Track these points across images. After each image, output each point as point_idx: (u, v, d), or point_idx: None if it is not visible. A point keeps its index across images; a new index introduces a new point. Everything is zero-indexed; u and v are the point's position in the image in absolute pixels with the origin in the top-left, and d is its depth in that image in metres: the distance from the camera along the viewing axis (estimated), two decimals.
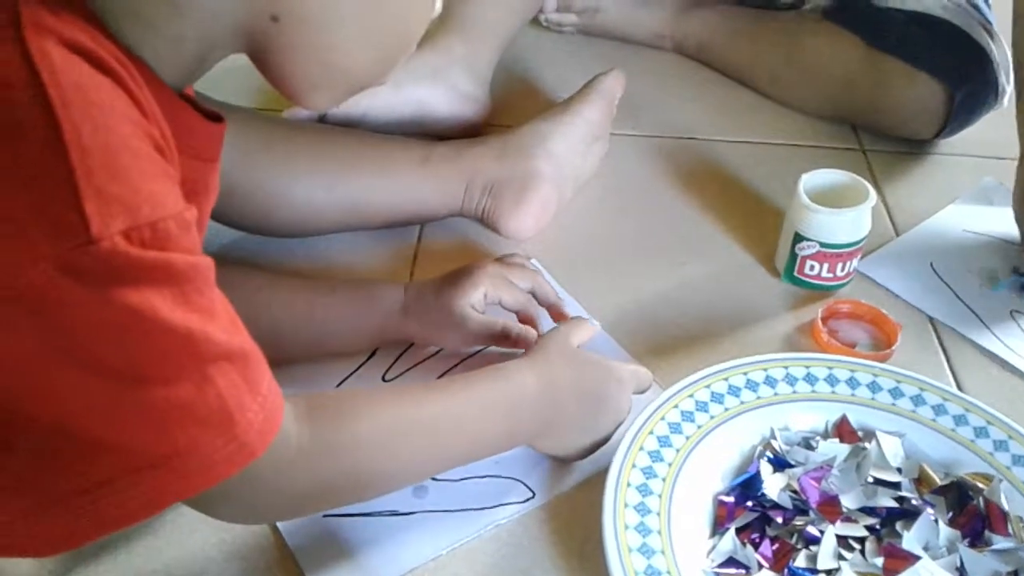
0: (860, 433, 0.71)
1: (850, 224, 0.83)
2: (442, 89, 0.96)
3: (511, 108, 1.05)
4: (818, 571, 0.62)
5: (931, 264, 0.89)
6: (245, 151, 0.79)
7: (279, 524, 0.63)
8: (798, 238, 0.84)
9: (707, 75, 1.17)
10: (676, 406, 0.70)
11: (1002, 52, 1.00)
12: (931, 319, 0.84)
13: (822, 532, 0.64)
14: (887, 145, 1.06)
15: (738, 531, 0.64)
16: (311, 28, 0.48)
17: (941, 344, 0.82)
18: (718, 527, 0.65)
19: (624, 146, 1.04)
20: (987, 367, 0.80)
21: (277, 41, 0.48)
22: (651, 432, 0.68)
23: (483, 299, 0.75)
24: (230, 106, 0.80)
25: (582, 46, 1.19)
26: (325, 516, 0.64)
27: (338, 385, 0.74)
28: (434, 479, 0.67)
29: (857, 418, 0.71)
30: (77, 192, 0.38)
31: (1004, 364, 0.80)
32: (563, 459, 0.69)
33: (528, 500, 0.67)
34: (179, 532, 0.63)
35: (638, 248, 0.91)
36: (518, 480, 0.68)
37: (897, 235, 0.94)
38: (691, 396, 0.71)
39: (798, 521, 0.65)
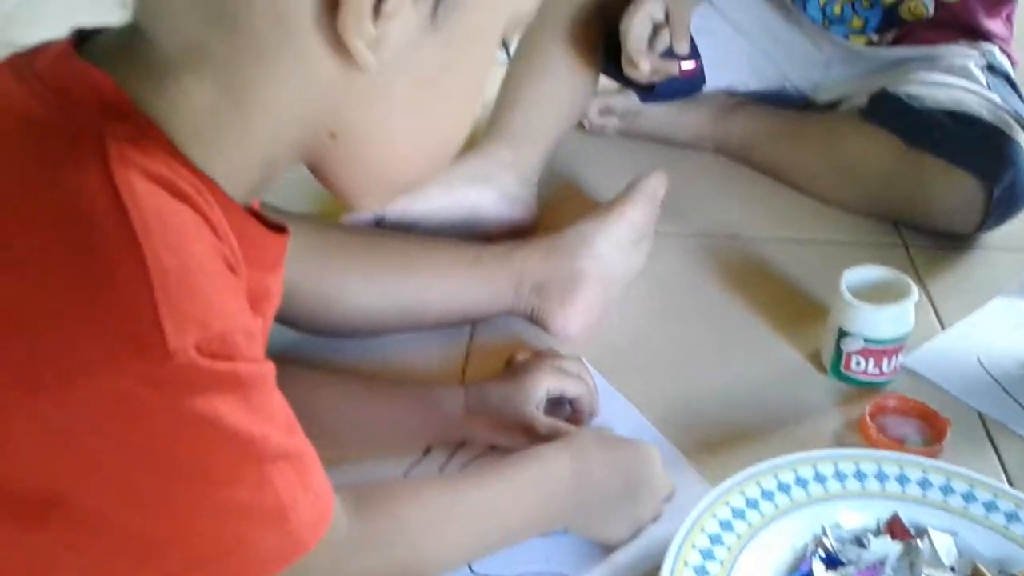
0: (912, 531, 0.71)
1: (893, 319, 0.84)
2: (491, 193, 1.00)
3: (558, 209, 1.08)
4: None
5: (978, 358, 0.90)
6: (305, 256, 0.82)
7: None
8: (842, 334, 0.85)
9: (749, 174, 1.20)
10: (727, 503, 0.71)
11: None
12: (980, 414, 0.85)
13: None
14: (929, 240, 1.07)
15: None
16: (365, 143, 0.51)
17: (991, 439, 0.82)
18: None
19: (669, 245, 1.06)
20: None
21: (334, 154, 0.51)
22: (702, 530, 0.69)
23: (546, 396, 0.78)
24: (290, 213, 0.85)
25: (625, 148, 1.24)
26: None
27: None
28: (483, 575, 0.68)
29: (909, 515, 0.71)
30: (157, 312, 0.41)
31: None
32: (606, 543, 0.70)
33: None
34: None
35: (685, 345, 0.93)
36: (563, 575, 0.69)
37: (943, 329, 0.95)
38: (741, 493, 0.71)
39: None
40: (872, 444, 0.80)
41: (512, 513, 0.64)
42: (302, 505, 0.48)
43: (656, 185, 0.98)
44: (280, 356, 0.49)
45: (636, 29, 1.03)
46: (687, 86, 1.12)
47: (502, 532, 0.64)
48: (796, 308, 0.97)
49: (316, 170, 0.53)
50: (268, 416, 0.47)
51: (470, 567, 0.68)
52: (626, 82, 1.17)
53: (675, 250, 1.06)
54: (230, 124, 0.48)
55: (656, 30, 1.05)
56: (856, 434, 0.82)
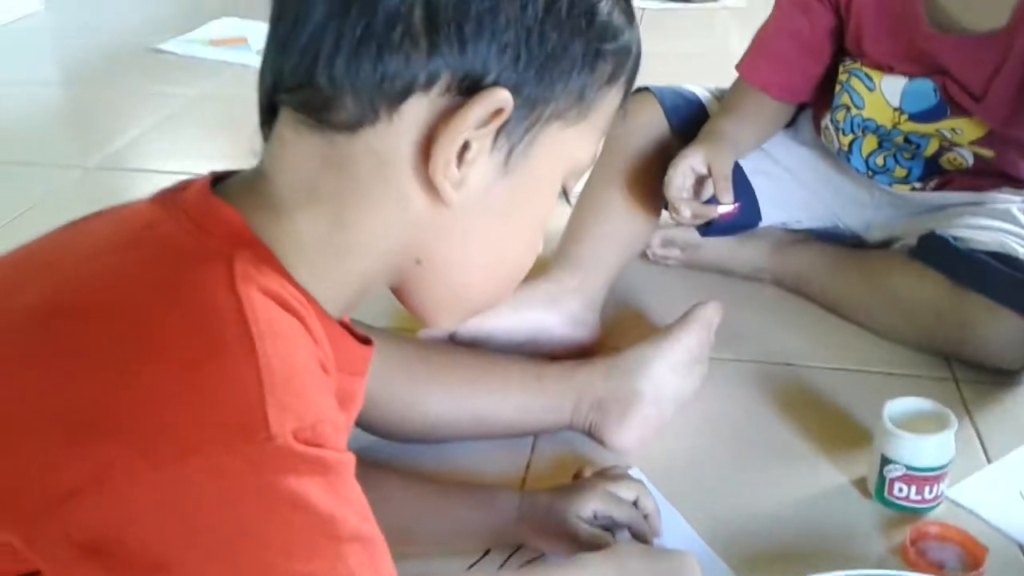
0: None
1: (934, 449, 0.89)
2: (556, 314, 1.08)
3: (620, 332, 1.16)
4: None
5: (1020, 492, 0.93)
6: (386, 367, 0.91)
7: None
8: (885, 461, 0.90)
9: (804, 306, 1.26)
10: None
11: None
12: (1020, 545, 0.87)
13: None
14: (978, 375, 1.11)
15: None
16: (446, 269, 0.59)
17: None
18: None
19: (725, 370, 1.13)
20: None
21: (418, 278, 0.60)
22: None
23: (593, 515, 0.83)
24: (374, 327, 0.94)
25: (686, 278, 1.31)
26: None
27: None
28: None
29: None
30: (264, 402, 0.48)
31: None
32: None
33: None
34: None
35: (736, 465, 0.98)
36: None
37: (988, 462, 0.98)
38: None
39: None
40: (912, 568, 0.84)
41: None
42: None
43: (711, 314, 1.05)
44: (359, 457, 0.56)
45: (677, 180, 1.13)
46: (739, 224, 1.21)
47: None
48: (845, 435, 1.02)
49: (399, 291, 0.62)
50: (347, 500, 0.53)
51: None
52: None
53: (731, 375, 1.12)
54: (333, 251, 0.57)
55: (701, 179, 1.14)
56: (898, 558, 0.86)
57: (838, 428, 1.03)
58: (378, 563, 0.55)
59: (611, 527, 0.84)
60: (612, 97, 0.61)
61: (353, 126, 0.53)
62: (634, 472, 0.92)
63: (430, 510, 0.84)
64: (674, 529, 0.88)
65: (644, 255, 1.33)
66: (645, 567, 0.74)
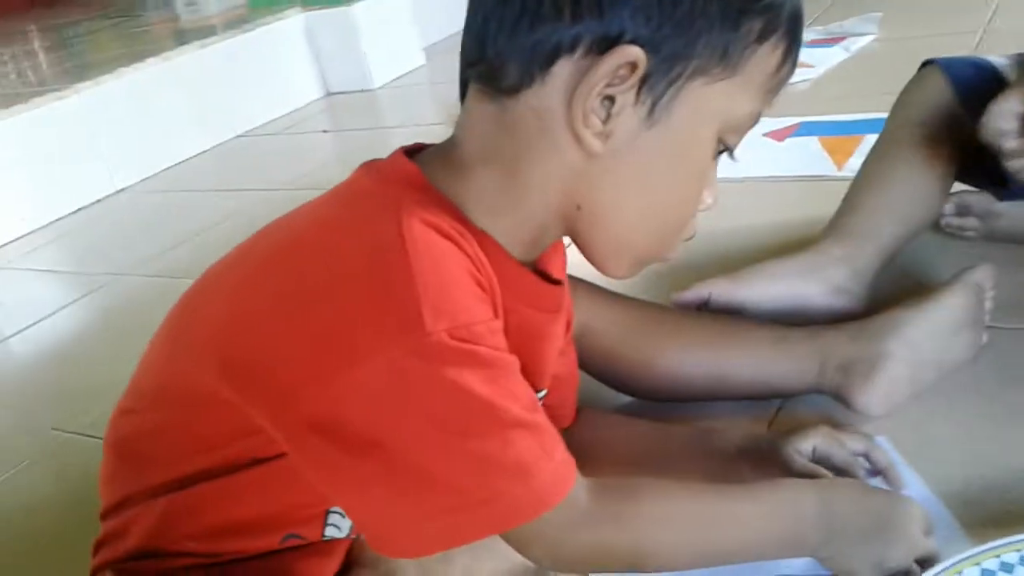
0: None
1: None
2: (816, 283, 1.07)
3: (893, 304, 1.11)
4: None
5: None
6: (627, 324, 1.00)
7: None
8: None
9: None
10: (979, 563, 0.71)
11: None
12: None
13: None
14: None
15: None
16: (602, 214, 0.67)
17: None
18: None
19: (1017, 340, 1.04)
20: None
21: (582, 223, 0.68)
22: (959, 573, 0.70)
23: (812, 450, 0.84)
24: (627, 297, 1.03)
25: (984, 250, 1.22)
26: None
27: None
28: None
29: None
30: (420, 305, 0.59)
31: None
32: None
33: None
34: None
35: (997, 432, 0.91)
36: None
37: None
38: (998, 556, 0.71)
39: None
40: None
41: (751, 530, 0.71)
42: (544, 468, 0.62)
43: (982, 277, 0.99)
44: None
45: (993, 123, 1.00)
46: None
47: (738, 546, 0.71)
48: None
49: (573, 238, 0.71)
50: (509, 393, 0.62)
51: None
52: (983, 183, 1.19)
53: (1019, 345, 1.04)
54: (508, 200, 0.67)
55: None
56: None
57: None
58: (549, 448, 0.63)
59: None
60: (767, 54, 0.65)
61: (516, 89, 0.64)
62: (880, 440, 0.90)
63: (650, 446, 0.90)
64: (908, 483, 0.85)
65: (939, 228, 1.26)
66: (853, 502, 0.74)
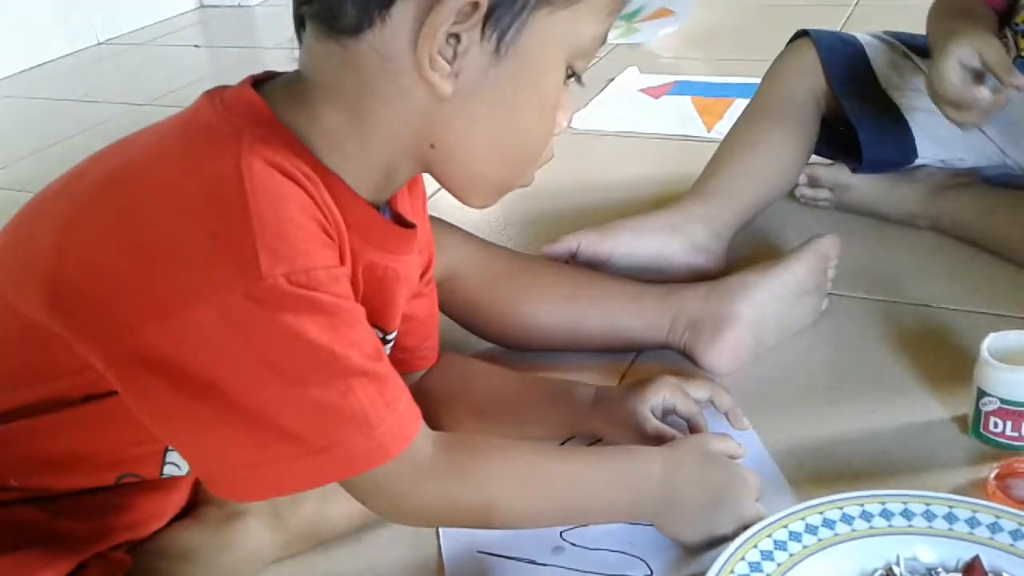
0: (990, 574, 0.71)
1: None
2: (678, 241, 1.11)
3: (748, 265, 1.16)
4: None
5: None
6: (491, 276, 1.01)
7: (443, 550, 0.79)
8: (981, 394, 0.86)
9: (960, 251, 1.20)
10: (803, 519, 0.76)
11: None
12: None
13: None
14: None
15: None
16: (456, 151, 0.66)
17: None
18: None
19: (853, 307, 1.11)
20: None
21: (436, 161, 0.67)
22: (770, 536, 0.75)
23: (661, 402, 0.87)
24: (493, 244, 1.03)
25: (836, 220, 1.28)
26: (479, 552, 0.79)
27: None
28: (572, 544, 0.79)
29: (991, 560, 0.72)
30: (256, 248, 0.58)
31: None
32: (684, 544, 0.78)
33: None
34: (367, 542, 0.81)
35: (833, 394, 0.98)
36: (642, 559, 0.77)
37: None
38: (821, 513, 0.76)
39: None
40: (991, 501, 0.80)
41: (592, 494, 0.74)
42: (385, 418, 0.62)
43: (828, 246, 1.04)
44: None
45: (950, 77, 1.03)
46: (892, 161, 1.16)
47: (579, 509, 0.74)
48: (964, 377, 0.97)
49: (431, 174, 0.70)
50: (350, 341, 0.61)
51: (561, 534, 0.80)
52: (839, 155, 1.24)
53: (860, 312, 1.10)
54: (355, 139, 0.66)
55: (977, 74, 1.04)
56: (977, 490, 0.82)
57: (961, 369, 0.98)
58: (391, 398, 0.63)
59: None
60: None
61: (356, 29, 0.62)
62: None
63: (510, 395, 0.91)
64: (743, 439, 0.89)
65: (794, 198, 1.31)
66: (692, 476, 0.77)
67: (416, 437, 0.65)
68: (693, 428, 0.87)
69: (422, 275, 0.84)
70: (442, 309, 0.96)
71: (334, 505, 0.79)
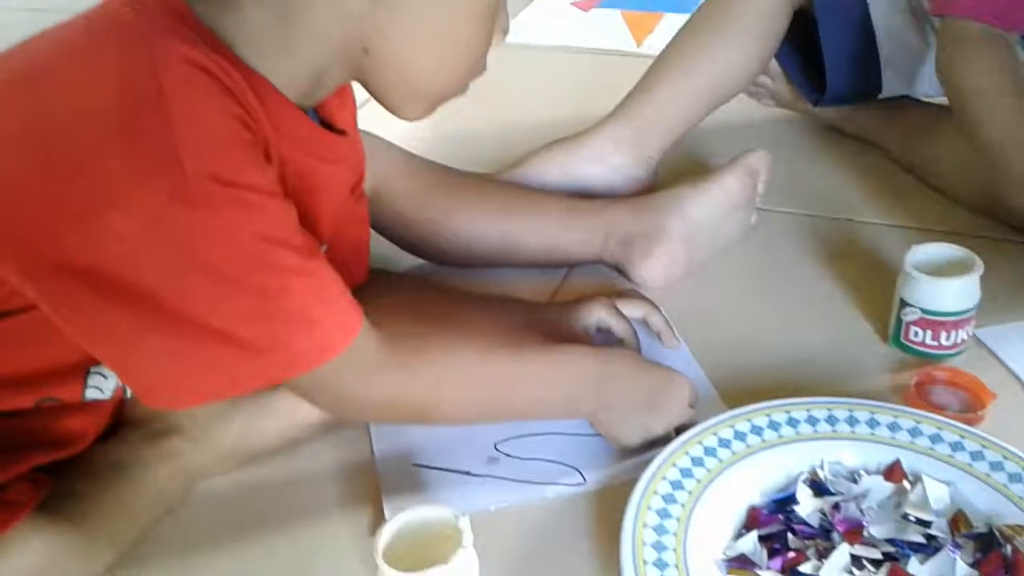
0: (910, 477, 0.74)
1: (953, 293, 0.86)
2: (603, 170, 1.10)
3: (679, 181, 1.16)
4: None
5: None
6: (422, 190, 0.99)
7: (378, 463, 0.79)
8: (903, 304, 0.89)
9: (883, 166, 1.22)
10: (732, 426, 0.78)
11: None
12: None
13: None
14: None
15: (761, 539, 0.71)
16: (393, 58, 0.64)
17: None
18: (745, 532, 0.71)
19: (780, 222, 1.12)
20: None
21: (369, 68, 0.65)
22: (700, 442, 0.76)
23: (596, 323, 0.88)
24: (422, 158, 1.01)
25: (763, 136, 1.29)
26: (414, 464, 0.79)
27: None
28: (506, 454, 0.79)
29: (911, 464, 0.75)
30: (176, 145, 0.55)
31: None
32: (616, 442, 0.79)
33: (579, 485, 0.77)
34: (300, 457, 0.81)
35: (760, 308, 0.99)
36: (576, 468, 0.78)
37: None
38: (749, 420, 0.78)
39: (821, 540, 0.70)
40: (911, 407, 0.83)
41: (536, 390, 0.74)
42: (326, 315, 0.61)
43: (758, 161, 1.04)
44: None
45: None
46: (857, 93, 1.16)
47: (522, 404, 0.74)
48: (886, 289, 1.00)
49: (362, 83, 0.68)
50: (283, 239, 0.60)
51: (496, 445, 0.80)
52: (802, 87, 1.24)
53: (787, 227, 1.12)
54: (281, 42, 0.63)
55: None
56: (898, 397, 0.85)
57: (881, 282, 1.01)
58: (328, 295, 0.62)
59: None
60: None
61: None
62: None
63: (444, 308, 0.90)
64: (676, 356, 0.91)
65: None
66: (629, 376, 0.78)
67: (359, 333, 0.64)
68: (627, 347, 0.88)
69: (353, 189, 0.82)
70: (373, 226, 0.94)
71: (265, 422, 0.78)
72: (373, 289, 0.91)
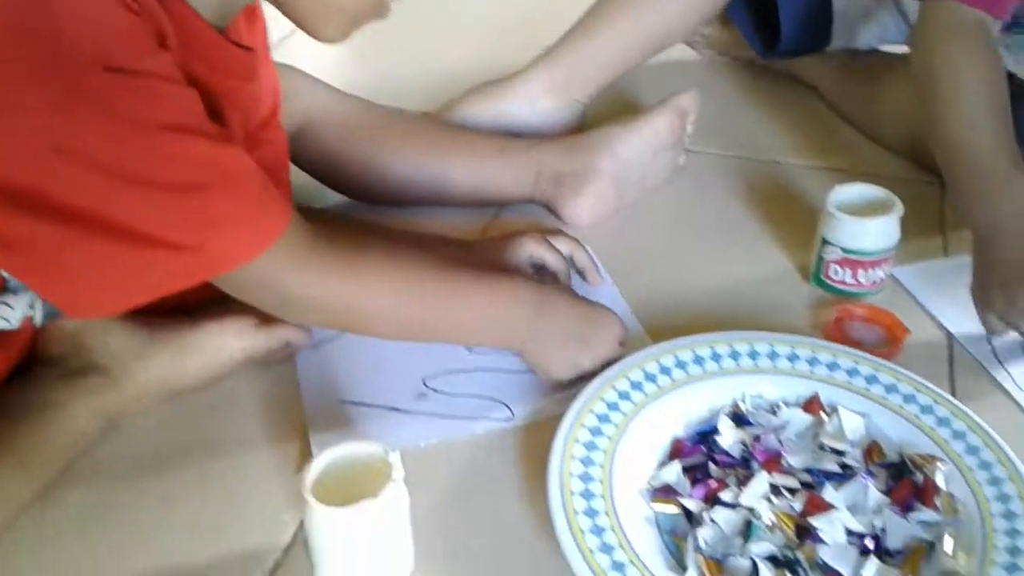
0: (827, 409, 0.76)
1: (872, 232, 0.89)
2: (532, 112, 1.08)
3: (609, 120, 1.16)
4: (740, 506, 0.68)
5: (966, 285, 0.92)
6: (351, 128, 0.97)
7: (304, 399, 0.78)
8: (824, 243, 0.91)
9: (817, 108, 1.24)
10: (658, 360, 0.79)
11: None
12: (949, 335, 0.88)
13: None
14: None
15: (684, 469, 0.72)
16: None
17: (950, 360, 0.85)
18: (669, 463, 0.73)
19: (708, 163, 1.14)
20: (987, 390, 0.82)
21: None
22: (626, 377, 0.77)
23: (528, 259, 0.88)
24: (351, 96, 0.99)
25: (693, 78, 1.29)
26: (342, 401, 0.78)
27: None
28: (435, 390, 0.80)
29: (828, 396, 0.77)
30: (65, 41, 0.54)
31: (1005, 392, 0.82)
32: (547, 375, 0.79)
33: (507, 420, 0.78)
34: (224, 394, 0.80)
35: (686, 248, 1.00)
36: (504, 404, 0.79)
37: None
38: (674, 355, 0.79)
39: (741, 470, 0.72)
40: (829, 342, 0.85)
41: (470, 310, 0.74)
42: (253, 208, 0.60)
43: (687, 102, 1.05)
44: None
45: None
46: (807, 48, 1.17)
47: (455, 323, 0.74)
48: (809, 229, 1.02)
49: (278, 5, 0.66)
50: (189, 128, 0.58)
51: (425, 381, 0.81)
52: (750, 38, 1.23)
53: (714, 168, 1.13)
54: None
55: None
56: (818, 333, 0.87)
57: (805, 222, 1.02)
58: (250, 187, 0.61)
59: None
60: None
61: None
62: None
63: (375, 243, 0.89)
64: (603, 293, 0.91)
65: None
66: (562, 310, 0.79)
67: (289, 224, 0.63)
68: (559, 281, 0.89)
69: (266, 122, 0.79)
70: (295, 162, 0.93)
71: (188, 358, 0.77)
72: None
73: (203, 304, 0.76)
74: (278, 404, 0.79)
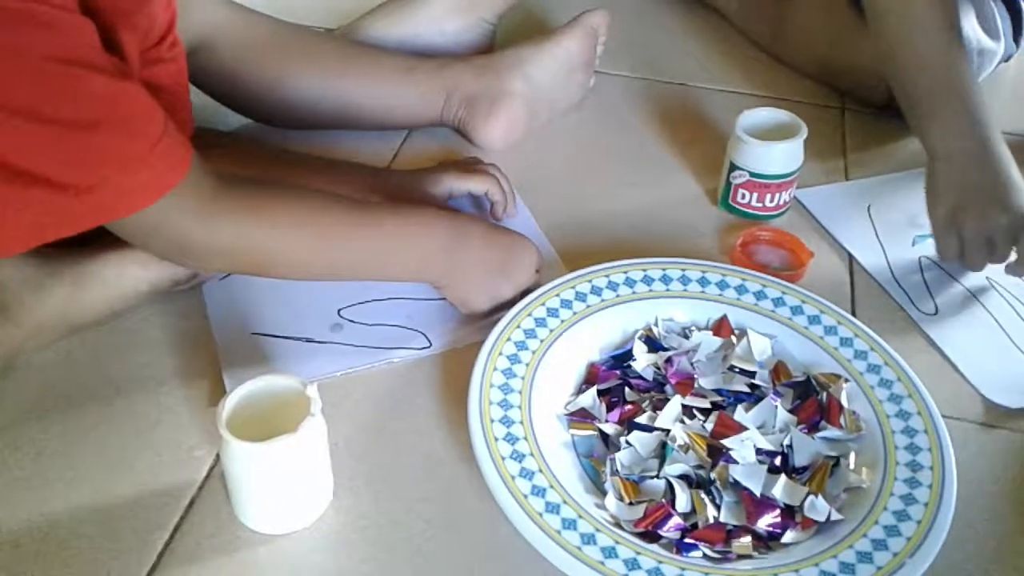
0: (737, 332, 0.79)
1: (779, 156, 0.90)
2: (438, 33, 1.05)
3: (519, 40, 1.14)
4: (655, 428, 0.70)
5: (868, 207, 0.95)
6: (252, 46, 0.92)
7: (215, 333, 0.76)
8: (732, 167, 0.92)
9: (721, 31, 1.24)
10: (573, 287, 0.79)
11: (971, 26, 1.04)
12: (851, 257, 0.91)
13: None
14: (869, 111, 1.11)
15: (600, 393, 0.74)
16: None
17: (852, 280, 0.88)
18: (585, 388, 0.74)
19: (617, 85, 1.13)
20: (887, 306, 0.86)
21: None
22: (543, 304, 0.78)
23: (447, 194, 0.86)
24: (250, 11, 0.94)
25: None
26: (253, 333, 0.77)
27: None
28: (350, 320, 0.78)
29: (737, 319, 0.79)
30: None
31: (903, 312, 0.85)
32: (465, 307, 0.79)
33: (424, 348, 0.77)
34: (129, 329, 0.77)
35: (597, 172, 1.00)
36: (421, 332, 0.79)
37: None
38: (589, 281, 0.80)
39: (655, 393, 0.74)
40: (736, 266, 0.87)
41: (384, 244, 0.73)
42: (151, 149, 0.58)
43: (598, 21, 1.04)
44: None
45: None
46: None
47: (370, 260, 0.73)
48: (717, 153, 1.03)
49: None
50: (82, 61, 0.55)
51: (339, 311, 0.79)
52: None
53: (622, 90, 1.13)
54: None
55: None
56: (726, 256, 0.89)
57: (711, 146, 1.04)
58: (145, 122, 0.59)
59: None
60: None
61: None
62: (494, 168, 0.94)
63: (281, 172, 0.86)
64: (517, 220, 0.91)
65: None
66: (479, 240, 0.78)
67: (189, 167, 0.61)
68: (495, 208, 0.89)
69: (162, 38, 0.75)
70: (194, 81, 0.88)
71: (88, 291, 0.73)
72: (197, 145, 0.86)
73: (101, 232, 0.73)
74: (186, 338, 0.77)
